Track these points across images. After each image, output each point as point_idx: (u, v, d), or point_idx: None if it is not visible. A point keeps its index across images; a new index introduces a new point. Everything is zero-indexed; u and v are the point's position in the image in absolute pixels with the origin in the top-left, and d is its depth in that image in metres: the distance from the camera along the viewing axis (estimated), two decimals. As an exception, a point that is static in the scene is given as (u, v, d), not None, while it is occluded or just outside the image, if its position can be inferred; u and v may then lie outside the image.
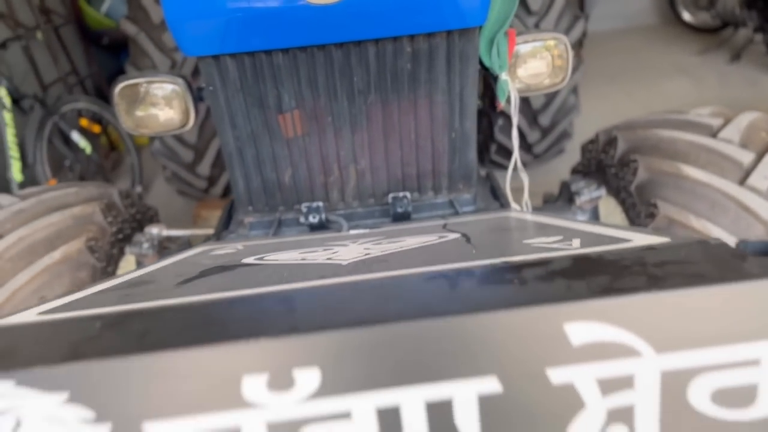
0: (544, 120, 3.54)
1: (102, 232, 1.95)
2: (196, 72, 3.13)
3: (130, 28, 3.32)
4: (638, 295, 0.61)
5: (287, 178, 1.67)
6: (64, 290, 1.72)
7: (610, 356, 0.63)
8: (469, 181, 1.72)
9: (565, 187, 2.18)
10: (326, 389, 0.63)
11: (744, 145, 1.75)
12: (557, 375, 0.63)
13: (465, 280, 0.67)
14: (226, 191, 3.85)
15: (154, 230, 2.12)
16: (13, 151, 3.49)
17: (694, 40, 6.42)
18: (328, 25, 1.38)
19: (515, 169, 1.70)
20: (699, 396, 0.65)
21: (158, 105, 1.64)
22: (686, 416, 0.65)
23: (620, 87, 5.39)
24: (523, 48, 1.61)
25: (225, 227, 1.84)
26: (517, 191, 1.82)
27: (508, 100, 1.61)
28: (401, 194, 1.68)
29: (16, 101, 3.60)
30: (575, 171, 2.34)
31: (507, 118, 3.46)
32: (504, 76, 1.56)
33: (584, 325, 0.61)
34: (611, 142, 2.04)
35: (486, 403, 0.64)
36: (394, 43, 1.46)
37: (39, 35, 4.29)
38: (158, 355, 0.62)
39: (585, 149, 2.25)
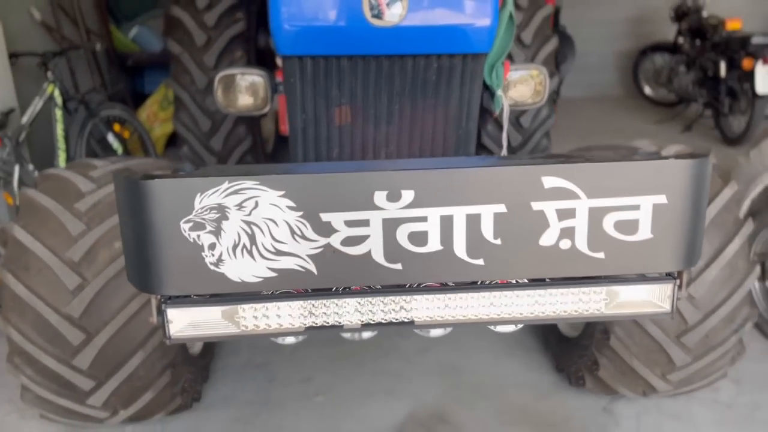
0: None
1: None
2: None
3: (175, 48, 3.87)
4: (579, 163, 1.18)
5: (334, 155, 2.23)
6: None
7: (563, 197, 1.20)
8: (468, 169, 2.31)
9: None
10: (416, 203, 1.19)
11: None
12: (536, 205, 1.20)
13: (492, 159, 1.21)
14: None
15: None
16: (61, 144, 3.99)
17: (652, 111, 7.31)
18: (383, 42, 1.98)
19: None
20: (608, 225, 1.22)
21: (243, 92, 2.21)
22: (601, 236, 1.22)
23: (587, 144, 6.13)
24: (514, 74, 2.24)
25: None
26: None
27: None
28: None
29: (64, 102, 4.13)
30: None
31: (496, 126, 4.03)
32: (499, 92, 2.18)
33: (552, 178, 1.18)
34: (573, 159, 2.67)
35: (498, 218, 1.20)
36: (426, 60, 2.06)
37: (98, 46, 4.90)
38: (331, 174, 1.17)
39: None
